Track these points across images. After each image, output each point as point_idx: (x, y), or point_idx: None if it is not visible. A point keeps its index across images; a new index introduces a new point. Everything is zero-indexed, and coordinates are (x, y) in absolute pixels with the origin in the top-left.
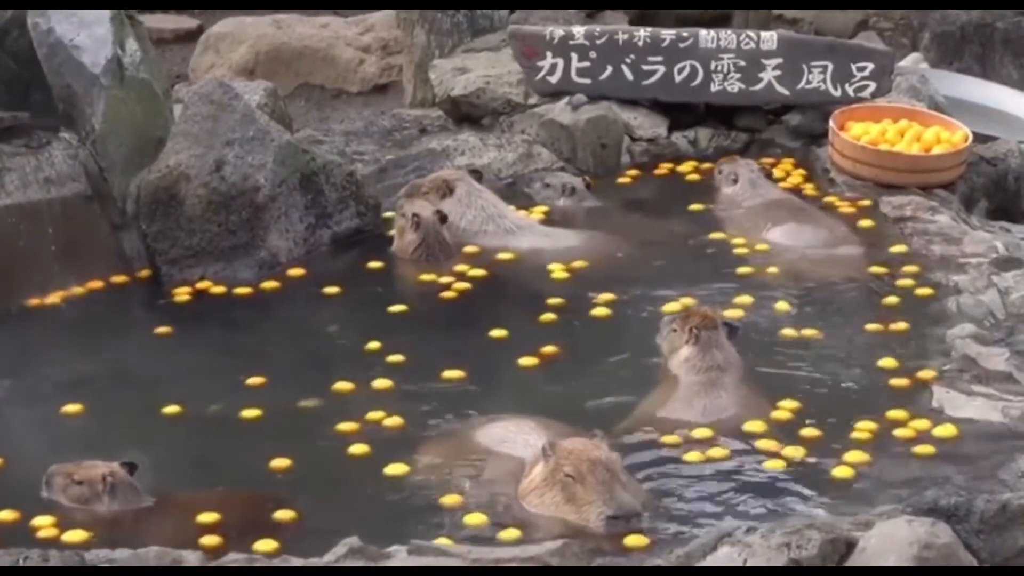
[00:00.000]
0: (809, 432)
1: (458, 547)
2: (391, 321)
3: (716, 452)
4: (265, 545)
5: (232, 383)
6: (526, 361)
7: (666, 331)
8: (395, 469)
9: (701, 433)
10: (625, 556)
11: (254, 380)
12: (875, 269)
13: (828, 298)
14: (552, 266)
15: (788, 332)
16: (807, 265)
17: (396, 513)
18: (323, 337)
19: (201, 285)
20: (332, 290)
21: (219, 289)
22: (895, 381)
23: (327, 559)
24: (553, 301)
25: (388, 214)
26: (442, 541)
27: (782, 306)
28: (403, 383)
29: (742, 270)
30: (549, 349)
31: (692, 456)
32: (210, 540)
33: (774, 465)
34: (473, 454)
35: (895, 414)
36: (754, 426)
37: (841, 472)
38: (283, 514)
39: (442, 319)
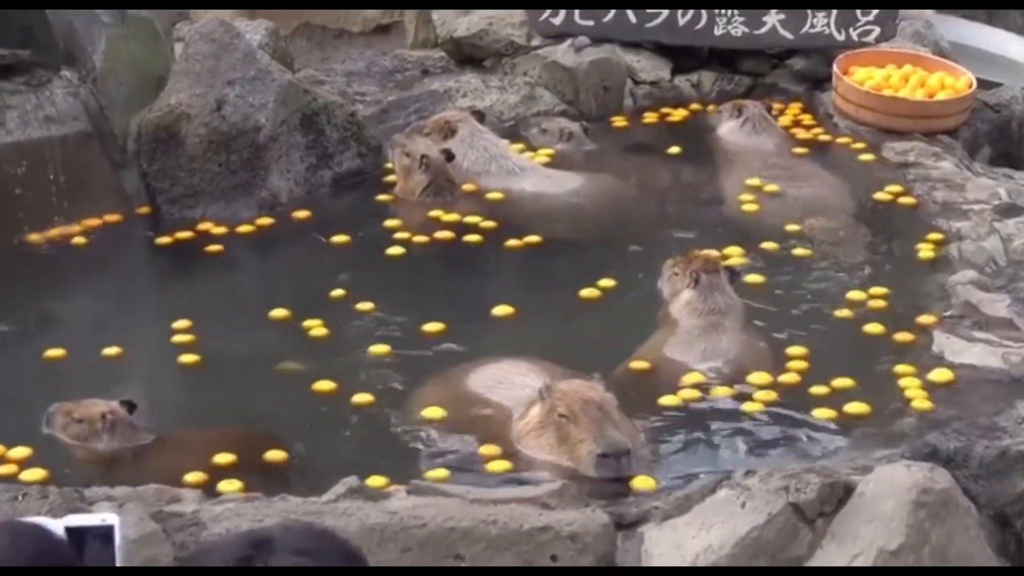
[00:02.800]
0: (808, 378)
1: (458, 487)
2: (392, 264)
3: (715, 395)
4: (259, 484)
5: (230, 323)
6: (527, 304)
7: (667, 275)
8: (391, 411)
9: (700, 376)
10: (628, 497)
11: (252, 320)
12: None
13: (827, 245)
14: (555, 209)
15: (789, 278)
16: (807, 212)
17: (394, 455)
18: (324, 279)
19: (201, 225)
20: (333, 231)
21: (219, 229)
22: (894, 327)
23: (326, 498)
24: (555, 244)
25: (388, 164)
26: (437, 475)
27: (787, 251)
28: (401, 327)
29: (745, 210)
30: (551, 292)
31: (690, 398)
32: (204, 478)
33: (773, 410)
34: (469, 396)
35: (894, 360)
36: (755, 371)
37: (840, 418)
38: (276, 454)
39: (443, 262)
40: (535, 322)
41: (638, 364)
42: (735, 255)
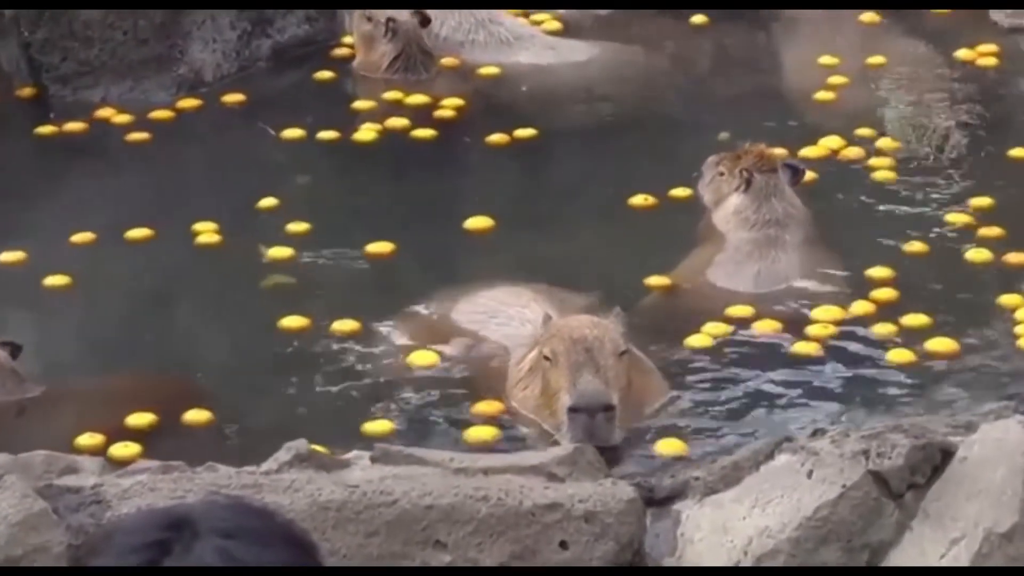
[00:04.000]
0: (891, 312)
1: (438, 453)
2: (349, 160)
3: (770, 332)
4: (178, 449)
5: (140, 241)
6: (524, 214)
7: (710, 175)
8: (350, 354)
9: (750, 309)
10: (653, 464)
11: (171, 236)
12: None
13: (918, 140)
14: (560, 90)
15: (870, 184)
16: (890, 95)
17: (352, 411)
18: (260, 179)
19: (101, 112)
20: (273, 118)
21: (124, 117)
22: (1000, 254)
23: (266, 467)
24: (559, 135)
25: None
26: (378, 427)
27: (866, 147)
28: (361, 244)
29: (820, 97)
30: (553, 201)
31: (738, 337)
32: (105, 441)
33: (846, 352)
34: (455, 333)
35: (1001, 295)
36: (822, 302)
37: (933, 362)
38: (200, 412)
39: (415, 157)
40: (530, 240)
41: (670, 292)
42: (811, 144)
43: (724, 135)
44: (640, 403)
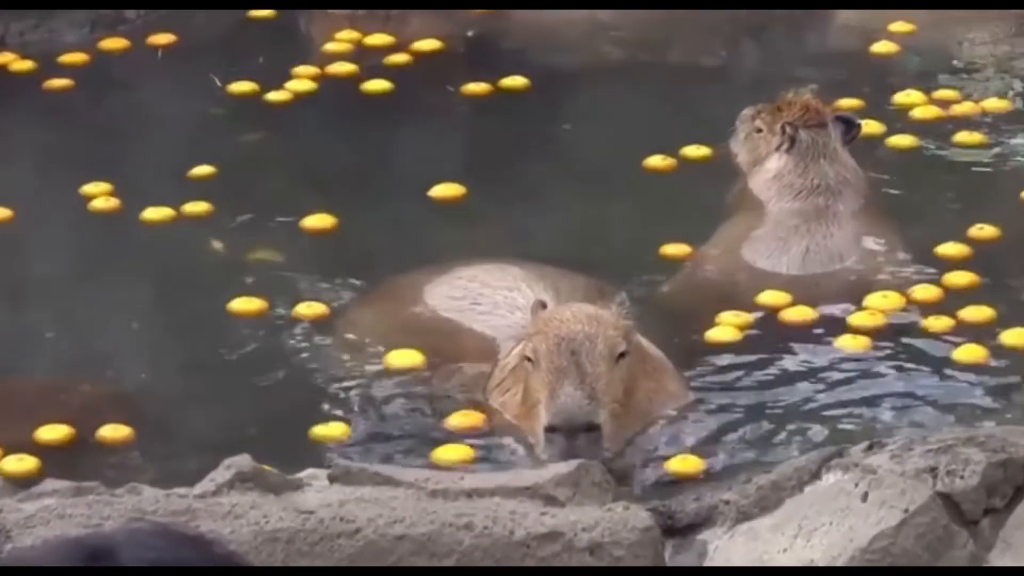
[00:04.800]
0: (963, 301)
1: (410, 471)
2: (298, 115)
3: (814, 322)
4: (95, 467)
5: (45, 210)
6: (509, 178)
7: (745, 130)
8: (302, 349)
9: (795, 295)
10: (673, 484)
11: (78, 206)
12: None
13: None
14: (560, 25)
15: (949, 147)
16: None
17: (306, 421)
18: (195, 142)
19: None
20: (212, 62)
21: (25, 64)
22: None
23: (201, 489)
24: (558, 81)
25: None
26: (330, 432)
27: (946, 101)
28: (314, 212)
29: (882, 49)
30: (546, 162)
31: (775, 328)
32: (15, 460)
33: (907, 348)
34: (423, 323)
35: None
36: (881, 287)
37: (1011, 361)
38: (115, 427)
39: (378, 113)
40: (526, 201)
41: (695, 277)
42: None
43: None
44: (648, 410)
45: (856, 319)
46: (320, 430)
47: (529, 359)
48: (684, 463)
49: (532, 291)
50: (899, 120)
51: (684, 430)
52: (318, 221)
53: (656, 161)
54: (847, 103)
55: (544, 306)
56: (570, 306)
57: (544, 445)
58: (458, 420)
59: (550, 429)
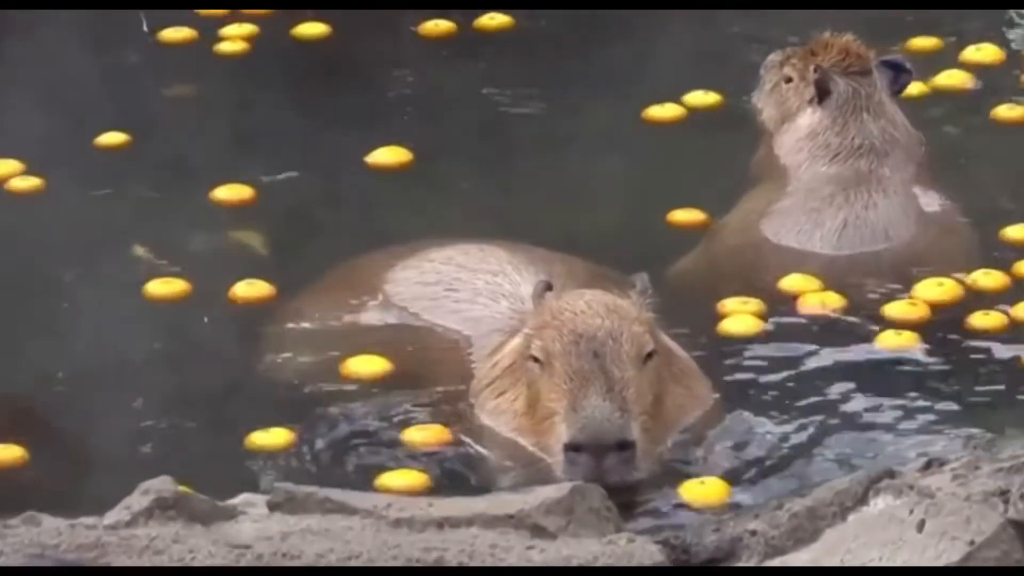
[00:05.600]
0: None
1: (367, 496)
2: (222, 69)
3: (852, 313)
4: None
5: None
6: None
7: (772, 79)
8: (230, 345)
9: (827, 279)
10: (688, 512)
11: None
12: None
13: None
14: None
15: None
16: None
17: (237, 429)
18: (117, 95)
19: None
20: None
21: None
22: None
23: (114, 518)
24: (541, 23)
25: None
26: (271, 441)
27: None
28: (247, 180)
29: None
30: (531, 113)
31: (806, 318)
32: None
33: (965, 347)
34: (385, 314)
35: None
36: (936, 276)
37: None
38: (13, 448)
39: (312, 61)
40: (500, 175)
41: (713, 254)
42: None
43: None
44: (678, 421)
45: (902, 310)
46: (260, 438)
47: (536, 359)
48: (705, 489)
49: (521, 276)
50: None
51: (710, 444)
52: (237, 192)
53: (659, 112)
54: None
55: (550, 289)
56: (582, 294)
57: (564, 466)
58: (417, 435)
59: (574, 448)
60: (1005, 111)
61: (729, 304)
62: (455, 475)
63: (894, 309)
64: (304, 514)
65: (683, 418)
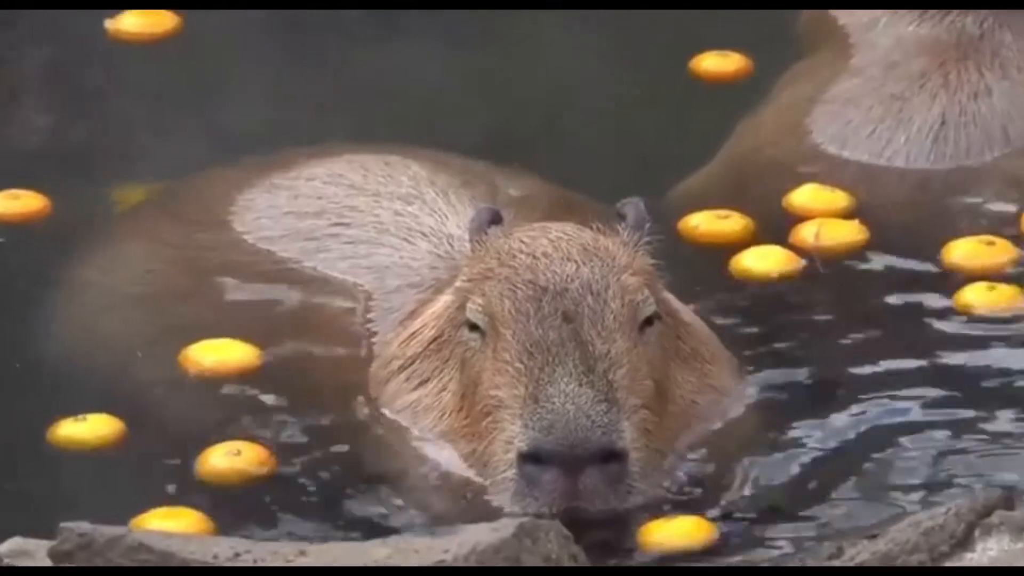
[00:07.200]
0: None
1: (206, 540)
2: None
3: (939, 260)
4: None
5: None
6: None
7: None
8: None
9: (913, 208)
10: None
11: None
12: None
13: None
14: None
15: None
16: None
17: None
18: None
19: None
20: None
21: None
22: None
23: None
24: None
25: None
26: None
27: None
28: None
29: None
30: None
31: (844, 264)
32: None
33: None
34: (232, 266)
35: None
36: None
37: None
38: None
39: None
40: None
41: (731, 161)
42: None
43: None
44: (688, 421)
45: (1005, 255)
46: (68, 429)
47: (475, 326)
48: (683, 528)
49: (448, 203)
50: None
51: (734, 455)
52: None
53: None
54: None
55: (496, 221)
56: (546, 229)
57: (516, 488)
58: (215, 461)
59: (533, 459)
60: None
61: (754, 253)
62: (345, 510)
63: (1005, 253)
64: (104, 565)
65: (697, 416)
